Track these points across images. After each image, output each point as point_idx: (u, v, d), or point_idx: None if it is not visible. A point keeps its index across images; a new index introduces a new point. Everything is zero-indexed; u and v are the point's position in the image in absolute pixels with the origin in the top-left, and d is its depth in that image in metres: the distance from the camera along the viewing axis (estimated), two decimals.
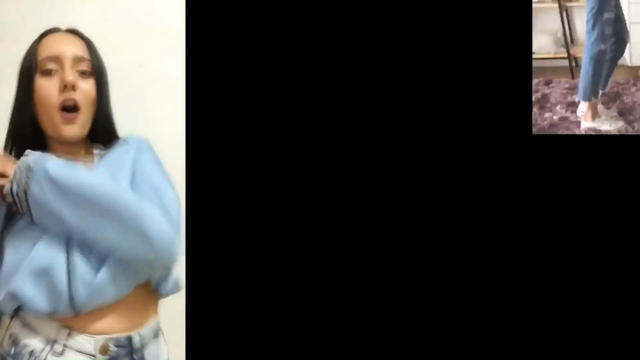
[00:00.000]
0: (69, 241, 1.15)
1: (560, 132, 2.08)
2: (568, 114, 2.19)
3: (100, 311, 1.18)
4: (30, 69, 1.24)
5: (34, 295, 1.14)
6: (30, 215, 1.14)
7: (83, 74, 1.24)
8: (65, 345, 1.17)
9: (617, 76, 2.57)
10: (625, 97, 2.35)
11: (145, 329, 1.24)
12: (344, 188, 1.06)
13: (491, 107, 1.08)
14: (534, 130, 2.09)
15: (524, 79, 1.10)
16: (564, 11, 2.81)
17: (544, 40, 2.82)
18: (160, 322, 1.34)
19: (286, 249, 1.08)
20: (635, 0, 2.79)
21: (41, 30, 1.36)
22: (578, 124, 2.07)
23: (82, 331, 1.18)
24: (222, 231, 1.08)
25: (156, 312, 1.31)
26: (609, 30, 1.97)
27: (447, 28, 1.00)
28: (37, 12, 1.73)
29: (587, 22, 2.00)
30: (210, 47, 1.07)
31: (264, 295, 1.08)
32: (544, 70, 2.82)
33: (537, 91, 2.52)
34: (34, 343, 1.17)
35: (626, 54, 2.53)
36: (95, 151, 1.31)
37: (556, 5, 2.76)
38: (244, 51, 1.06)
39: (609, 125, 2.00)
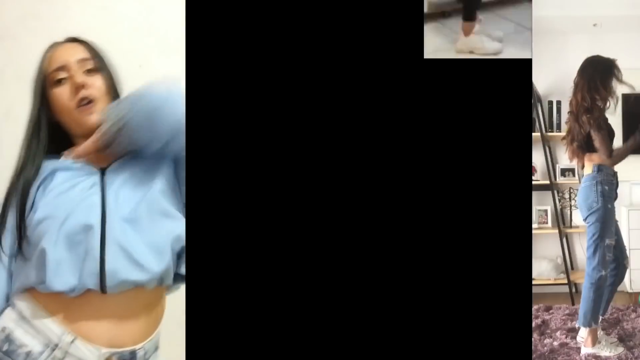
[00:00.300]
0: (106, 204, 1.17)
1: (560, 358, 2.01)
2: (568, 340, 2.13)
3: (107, 321, 1.14)
4: (42, 84, 1.30)
5: (64, 260, 1.11)
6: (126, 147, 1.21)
7: (89, 71, 1.28)
8: (67, 352, 1.11)
9: (617, 302, 2.53)
10: (625, 323, 2.31)
11: (149, 343, 1.20)
12: (342, 186, 1.08)
13: (489, 339, 1.03)
14: (534, 357, 2.00)
15: (523, 306, 1.05)
16: (564, 237, 2.86)
17: (544, 266, 2.82)
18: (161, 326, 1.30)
19: (287, 249, 1.06)
20: (634, 227, 2.85)
21: (41, 30, 1.32)
22: (578, 350, 2.01)
23: (87, 340, 1.12)
24: (223, 230, 1.05)
25: (159, 324, 1.26)
26: (609, 257, 1.97)
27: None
28: (37, 13, 1.71)
29: (588, 248, 2.03)
30: (210, 47, 1.09)
31: (265, 295, 1.06)
32: (544, 296, 2.78)
33: (537, 317, 2.46)
34: (32, 344, 1.11)
35: (626, 280, 2.52)
36: None
37: (556, 231, 2.81)
38: (244, 51, 1.08)
39: (609, 351, 1.95)
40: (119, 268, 1.12)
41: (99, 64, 1.32)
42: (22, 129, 1.32)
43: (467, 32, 1.95)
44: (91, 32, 1.41)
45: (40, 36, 1.36)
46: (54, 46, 1.34)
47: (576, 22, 2.84)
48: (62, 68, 1.28)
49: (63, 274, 1.11)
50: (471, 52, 1.91)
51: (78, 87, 1.26)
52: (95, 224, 1.14)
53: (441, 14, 1.97)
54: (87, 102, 1.25)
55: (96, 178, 1.23)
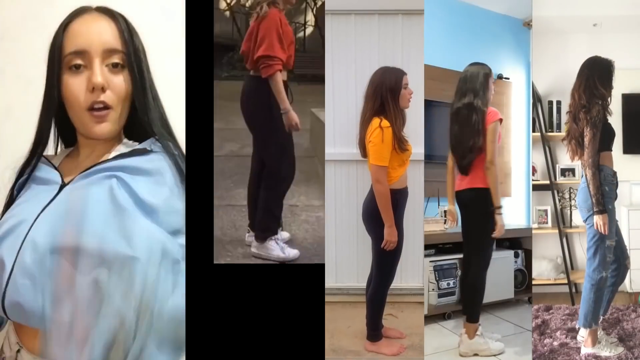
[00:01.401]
0: (27, 237, 1.04)
1: (560, 358, 2.01)
2: (568, 340, 2.12)
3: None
4: (55, 64, 1.11)
5: None
6: None
7: (115, 66, 1.10)
8: None
9: (617, 302, 2.52)
10: (625, 323, 2.30)
11: None
12: None
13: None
14: (534, 357, 1.99)
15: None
16: (564, 237, 2.85)
17: (544, 266, 2.81)
18: None
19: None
20: (634, 227, 2.84)
21: (41, 31, 1.22)
22: (578, 350, 2.01)
23: (29, 350, 1.06)
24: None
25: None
26: (610, 258, 1.97)
27: None
28: (37, 12, 1.69)
29: (589, 249, 2.02)
30: (210, 48, 1.13)
31: (265, 297, 1.09)
32: (544, 296, 2.77)
33: (537, 317, 2.46)
34: (6, 350, 1.10)
35: (626, 280, 2.51)
36: (122, 146, 1.18)
37: (556, 231, 2.79)
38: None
39: (609, 351, 1.94)
40: (15, 304, 1.03)
41: (127, 59, 1.12)
42: (22, 129, 1.25)
43: (471, 335, 1.92)
44: None
45: (40, 36, 1.35)
46: (80, 14, 1.15)
47: (576, 22, 2.83)
48: (82, 54, 1.09)
49: None
50: (475, 355, 1.90)
51: (96, 88, 1.07)
52: (8, 259, 1.03)
53: (442, 316, 1.96)
54: (102, 107, 1.09)
55: (52, 194, 1.10)
